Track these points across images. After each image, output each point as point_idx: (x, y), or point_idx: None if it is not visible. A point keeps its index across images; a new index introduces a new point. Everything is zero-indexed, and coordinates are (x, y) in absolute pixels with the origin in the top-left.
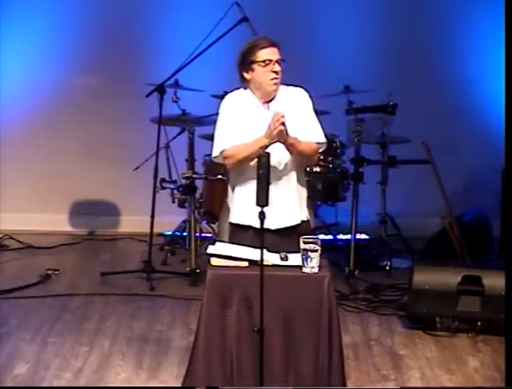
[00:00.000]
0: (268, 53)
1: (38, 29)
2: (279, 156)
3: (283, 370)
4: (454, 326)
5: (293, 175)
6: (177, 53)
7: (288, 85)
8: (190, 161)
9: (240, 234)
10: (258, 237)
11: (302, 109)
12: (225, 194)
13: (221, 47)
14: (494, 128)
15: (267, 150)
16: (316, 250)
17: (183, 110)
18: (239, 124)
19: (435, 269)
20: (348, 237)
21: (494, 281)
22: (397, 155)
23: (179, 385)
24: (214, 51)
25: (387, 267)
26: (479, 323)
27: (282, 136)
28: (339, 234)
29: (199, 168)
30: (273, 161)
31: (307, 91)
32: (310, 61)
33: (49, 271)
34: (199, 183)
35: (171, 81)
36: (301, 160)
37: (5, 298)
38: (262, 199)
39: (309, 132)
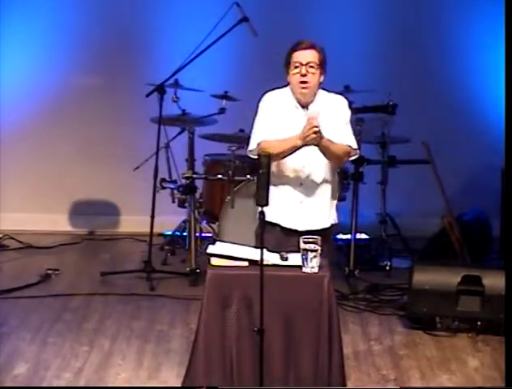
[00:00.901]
0: (300, 56)
1: (38, 29)
2: (313, 158)
3: (283, 370)
4: (454, 326)
5: (327, 178)
6: (177, 53)
7: (330, 92)
8: (190, 161)
9: (267, 231)
10: (285, 235)
11: (339, 116)
12: (225, 194)
13: (221, 47)
14: (494, 128)
15: (301, 150)
16: (316, 250)
17: (183, 110)
18: (276, 123)
19: (435, 269)
20: (348, 237)
21: (494, 281)
22: (397, 155)
23: (179, 385)
24: (214, 51)
25: (387, 267)
26: (479, 323)
27: (315, 140)
28: (338, 234)
29: (199, 168)
30: (308, 164)
31: (348, 100)
32: None
33: (49, 271)
34: (199, 183)
35: (171, 81)
36: (333, 163)
37: (5, 298)
38: (262, 199)
39: (343, 136)
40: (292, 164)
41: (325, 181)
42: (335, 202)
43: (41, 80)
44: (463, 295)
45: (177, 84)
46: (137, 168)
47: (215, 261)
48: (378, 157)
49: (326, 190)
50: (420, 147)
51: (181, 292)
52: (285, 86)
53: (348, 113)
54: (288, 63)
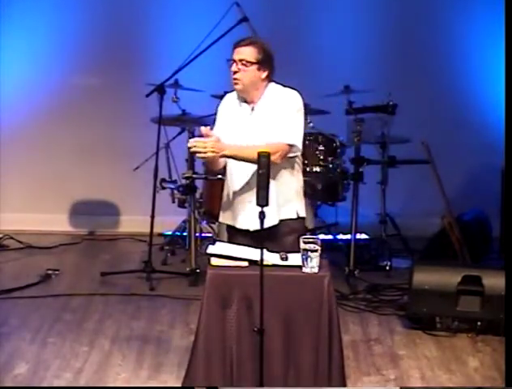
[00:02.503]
0: (234, 53)
1: (38, 30)
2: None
3: (283, 370)
4: (454, 326)
5: (274, 176)
6: (177, 53)
7: (284, 86)
8: (190, 161)
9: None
10: (242, 236)
11: (283, 110)
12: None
13: (221, 47)
14: (494, 128)
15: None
16: (316, 250)
17: (183, 110)
18: (226, 125)
19: (435, 269)
20: (348, 237)
21: (494, 281)
22: (397, 155)
23: (179, 385)
24: (214, 51)
25: (387, 267)
26: (479, 323)
27: (208, 157)
28: (339, 234)
29: (199, 168)
30: (239, 165)
31: (301, 95)
32: (310, 61)
33: (49, 271)
34: (199, 183)
35: (171, 81)
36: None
37: (5, 298)
38: (262, 199)
39: (280, 132)
40: (236, 165)
41: (272, 178)
42: (292, 197)
43: (41, 80)
44: (463, 295)
45: (177, 84)
46: (137, 168)
47: (215, 261)
48: (378, 157)
49: (273, 188)
50: (420, 147)
51: (181, 292)
52: None
53: (295, 106)
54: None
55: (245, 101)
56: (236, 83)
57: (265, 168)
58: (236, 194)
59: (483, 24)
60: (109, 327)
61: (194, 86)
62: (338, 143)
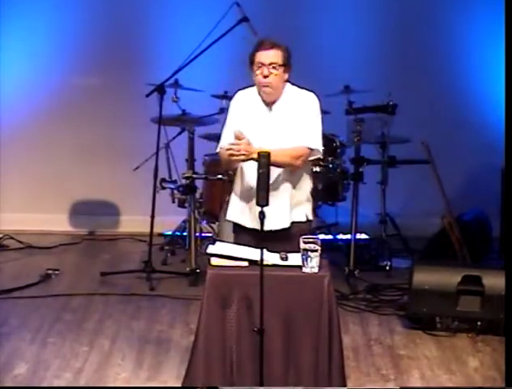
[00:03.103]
0: (262, 56)
1: (38, 30)
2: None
3: (283, 370)
4: (454, 326)
5: (286, 179)
6: (177, 53)
7: (301, 88)
8: (190, 161)
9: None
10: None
11: (303, 113)
12: (225, 194)
13: (221, 47)
14: (494, 128)
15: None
16: (316, 250)
17: (183, 110)
18: (244, 123)
19: (435, 269)
20: (348, 237)
21: (494, 281)
22: (397, 155)
23: (179, 385)
24: (214, 51)
25: (387, 267)
26: (479, 323)
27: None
28: (339, 234)
29: (199, 168)
30: (253, 165)
31: (317, 97)
32: (310, 61)
33: (49, 271)
34: (199, 183)
35: (171, 81)
36: (285, 169)
37: (5, 298)
38: (263, 199)
39: (302, 136)
40: (250, 169)
41: (284, 182)
42: (304, 200)
43: (41, 81)
44: (463, 295)
45: (177, 84)
46: (137, 168)
47: (215, 261)
48: (378, 157)
49: (286, 191)
50: (420, 147)
51: (181, 292)
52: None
53: (315, 110)
54: (251, 63)
55: (264, 101)
56: (266, 86)
57: (265, 168)
58: (248, 193)
59: (483, 24)
60: (109, 327)
61: (194, 86)
62: (338, 143)
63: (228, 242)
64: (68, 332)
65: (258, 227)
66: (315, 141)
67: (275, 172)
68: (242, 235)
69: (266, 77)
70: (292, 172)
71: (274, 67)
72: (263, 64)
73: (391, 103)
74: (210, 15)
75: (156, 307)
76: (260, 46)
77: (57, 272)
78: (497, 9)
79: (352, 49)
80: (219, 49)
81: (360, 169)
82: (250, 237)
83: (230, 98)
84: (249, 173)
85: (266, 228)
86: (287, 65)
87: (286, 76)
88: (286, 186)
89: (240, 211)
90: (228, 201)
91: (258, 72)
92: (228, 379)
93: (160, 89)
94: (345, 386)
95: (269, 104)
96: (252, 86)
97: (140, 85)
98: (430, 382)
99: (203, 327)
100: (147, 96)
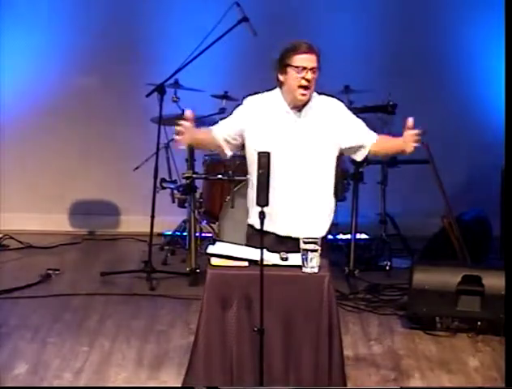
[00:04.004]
0: (304, 60)
1: (38, 29)
2: (307, 160)
3: (283, 370)
4: (454, 326)
5: (324, 185)
6: (177, 53)
7: (319, 94)
8: (190, 161)
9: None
10: (278, 243)
11: (346, 117)
12: (225, 194)
13: (221, 47)
14: (494, 128)
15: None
16: (316, 250)
17: (183, 110)
18: (263, 129)
19: (435, 269)
20: (348, 237)
21: (494, 281)
22: (397, 155)
23: (179, 385)
24: (214, 51)
25: (387, 267)
26: (479, 323)
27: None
28: (339, 234)
29: (199, 168)
30: (299, 166)
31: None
32: None
33: (49, 271)
34: (199, 183)
35: (171, 81)
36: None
37: (5, 298)
38: (263, 199)
39: (364, 134)
40: (275, 171)
41: (323, 188)
42: (328, 215)
43: (41, 80)
44: (463, 295)
45: (177, 84)
46: (137, 168)
47: (215, 261)
48: (378, 157)
49: (322, 197)
50: (420, 147)
51: (181, 292)
52: (268, 90)
53: (348, 110)
54: (284, 65)
55: (293, 106)
56: (306, 92)
57: (265, 168)
58: (277, 198)
59: (483, 24)
60: (109, 327)
61: (194, 86)
62: None
63: (227, 242)
64: (68, 332)
65: (291, 234)
66: (373, 133)
67: (299, 174)
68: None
69: (308, 81)
70: (331, 178)
71: (313, 71)
72: (305, 68)
73: (391, 103)
74: (210, 15)
75: (156, 307)
76: (299, 49)
77: (57, 272)
78: (497, 9)
79: (351, 49)
80: (219, 49)
81: (360, 169)
82: (279, 244)
83: (230, 98)
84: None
85: (297, 234)
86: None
87: None
88: (323, 191)
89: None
90: (226, 202)
91: (298, 75)
92: (228, 379)
93: (160, 89)
94: (345, 385)
95: (296, 108)
96: (259, 92)
97: (140, 85)
98: (430, 382)
99: (203, 327)
100: (147, 96)
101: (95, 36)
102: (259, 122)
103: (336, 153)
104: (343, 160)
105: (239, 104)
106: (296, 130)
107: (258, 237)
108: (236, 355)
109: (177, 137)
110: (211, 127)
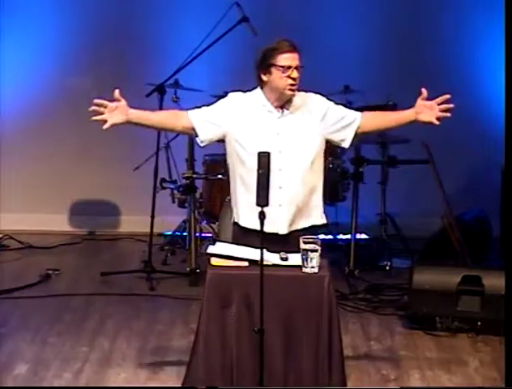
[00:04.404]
0: (288, 59)
1: (38, 29)
2: (290, 161)
3: (283, 370)
4: (454, 326)
5: (311, 180)
6: (177, 53)
7: (302, 91)
8: (190, 161)
9: (247, 238)
10: (266, 241)
11: (326, 105)
12: (225, 194)
13: (221, 47)
14: (494, 127)
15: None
16: (316, 250)
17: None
18: (244, 126)
19: (435, 269)
20: (348, 237)
21: (494, 281)
22: (397, 155)
23: (179, 385)
24: (214, 51)
25: (387, 267)
26: (479, 323)
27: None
28: (339, 234)
29: (199, 168)
30: (284, 167)
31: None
32: (310, 60)
33: (49, 271)
34: (199, 183)
35: (171, 81)
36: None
37: (5, 298)
38: (263, 199)
39: (350, 113)
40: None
41: (302, 184)
42: (320, 203)
43: (41, 80)
44: (463, 295)
45: (177, 84)
46: (137, 168)
47: (215, 261)
48: (378, 157)
49: (304, 194)
50: (420, 147)
51: (181, 292)
52: (250, 90)
53: (331, 102)
54: (268, 65)
55: (276, 107)
56: (293, 90)
57: (265, 168)
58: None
59: (483, 24)
60: (109, 327)
61: (194, 86)
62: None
63: (228, 242)
64: (68, 332)
65: (278, 231)
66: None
67: (281, 170)
68: (252, 238)
69: (295, 79)
70: (319, 168)
71: (298, 70)
72: (290, 66)
73: (391, 103)
74: (210, 15)
75: (156, 307)
76: (282, 48)
77: (57, 272)
78: (497, 9)
79: (351, 49)
80: (219, 49)
81: (360, 169)
82: (268, 242)
83: None
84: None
85: (283, 231)
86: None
87: None
88: (308, 187)
89: (254, 216)
90: (226, 202)
91: (283, 74)
92: (228, 379)
93: (160, 89)
94: (345, 385)
95: (279, 107)
96: (245, 91)
97: (140, 85)
98: (430, 382)
99: (203, 326)
100: (147, 96)
101: (94, 36)
102: (242, 119)
103: (323, 146)
104: (343, 160)
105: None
106: (279, 127)
107: (246, 237)
108: (236, 355)
109: (95, 117)
110: (187, 110)
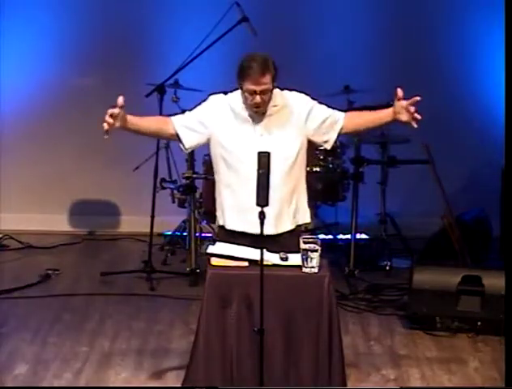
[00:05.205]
0: (254, 84)
1: (38, 29)
2: (275, 158)
3: (283, 370)
4: (454, 326)
5: (294, 180)
6: (177, 53)
7: (287, 90)
8: (190, 161)
9: (234, 241)
10: (253, 241)
11: (308, 105)
12: None
13: (221, 47)
14: (494, 128)
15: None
16: (316, 250)
17: (183, 110)
18: (227, 134)
19: (435, 269)
20: (348, 237)
21: (494, 281)
22: (397, 155)
23: (179, 385)
24: (214, 51)
25: (387, 267)
26: (479, 323)
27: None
28: (339, 234)
29: (199, 168)
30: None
31: (307, 94)
32: (310, 61)
33: (49, 271)
34: (199, 183)
35: (171, 81)
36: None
37: (5, 298)
38: (263, 199)
39: (332, 113)
40: (247, 171)
41: (286, 184)
42: (304, 203)
43: (41, 81)
44: (463, 295)
45: (177, 84)
46: (137, 168)
47: (215, 261)
48: (378, 157)
49: (287, 193)
50: (420, 147)
51: (181, 292)
52: (232, 91)
53: (314, 101)
54: (239, 81)
55: (252, 117)
56: (258, 109)
57: (265, 168)
58: (246, 198)
59: (483, 24)
60: (109, 327)
61: (194, 86)
62: (338, 143)
63: (227, 242)
64: (68, 332)
65: (271, 232)
66: (335, 110)
67: (277, 175)
68: (239, 241)
69: (259, 103)
70: (300, 170)
71: (264, 93)
72: (255, 92)
73: (391, 103)
74: (210, 15)
75: (156, 307)
76: (249, 73)
77: (57, 272)
78: (497, 9)
79: (351, 49)
80: (219, 49)
81: (360, 169)
82: (251, 241)
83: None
84: (247, 174)
85: (268, 232)
86: (275, 79)
87: (274, 88)
88: (289, 187)
89: (240, 218)
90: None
91: (249, 97)
92: (228, 379)
93: (160, 89)
94: (345, 385)
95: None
96: (226, 93)
97: (140, 85)
98: (430, 382)
99: (203, 326)
100: (147, 96)
101: (94, 36)
102: (225, 122)
103: (305, 146)
104: (343, 160)
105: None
106: (261, 129)
107: (233, 239)
108: (236, 355)
109: (106, 126)
110: (170, 117)
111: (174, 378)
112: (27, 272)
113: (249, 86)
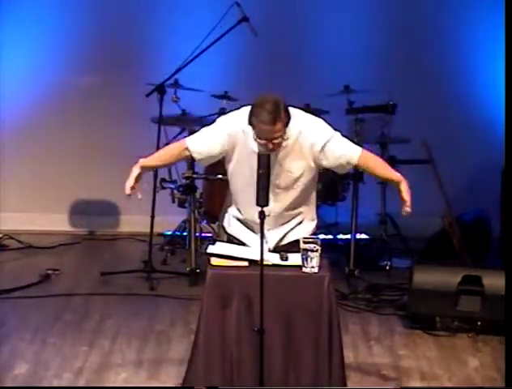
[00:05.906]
0: (265, 132)
1: (38, 29)
2: (278, 191)
3: (283, 370)
4: (454, 326)
5: (296, 204)
6: (177, 53)
7: (300, 109)
8: (190, 161)
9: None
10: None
11: (329, 146)
12: (225, 194)
13: (221, 47)
14: (494, 128)
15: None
16: (316, 250)
17: (183, 110)
18: (242, 165)
19: (435, 269)
20: (348, 237)
21: (494, 281)
22: (397, 155)
23: (179, 385)
24: (214, 51)
25: (387, 267)
26: (479, 323)
27: None
28: (339, 234)
29: (199, 168)
30: (272, 197)
31: (323, 118)
32: (310, 61)
33: (49, 271)
34: (199, 183)
35: (171, 81)
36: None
37: (5, 298)
38: (263, 199)
39: (348, 151)
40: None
41: (295, 207)
42: (313, 221)
43: (41, 80)
44: (463, 295)
45: (177, 84)
46: None
47: (215, 261)
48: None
49: (296, 215)
50: (420, 147)
51: (181, 292)
52: (241, 107)
53: (325, 130)
54: (251, 123)
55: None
56: (271, 151)
57: (265, 168)
58: (251, 217)
59: (483, 24)
60: (109, 327)
61: (194, 86)
62: None
63: (227, 242)
64: (68, 332)
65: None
66: (354, 145)
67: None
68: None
69: (272, 150)
70: (310, 186)
71: (276, 138)
72: (267, 139)
73: (391, 103)
74: (210, 15)
75: (156, 307)
76: (261, 120)
77: (57, 272)
78: (497, 9)
79: (352, 49)
80: (219, 49)
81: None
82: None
83: (230, 98)
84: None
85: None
86: (287, 123)
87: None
88: (299, 210)
89: (242, 230)
90: (226, 201)
91: (261, 142)
92: (228, 379)
93: (160, 89)
94: (345, 386)
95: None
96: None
97: (140, 85)
98: (430, 382)
99: (203, 326)
100: (147, 96)
101: (94, 36)
102: (238, 153)
103: (316, 176)
104: None
105: (221, 114)
106: (273, 162)
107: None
108: (236, 355)
109: (129, 191)
110: (184, 141)
111: (174, 378)
112: (27, 272)
113: (261, 134)
